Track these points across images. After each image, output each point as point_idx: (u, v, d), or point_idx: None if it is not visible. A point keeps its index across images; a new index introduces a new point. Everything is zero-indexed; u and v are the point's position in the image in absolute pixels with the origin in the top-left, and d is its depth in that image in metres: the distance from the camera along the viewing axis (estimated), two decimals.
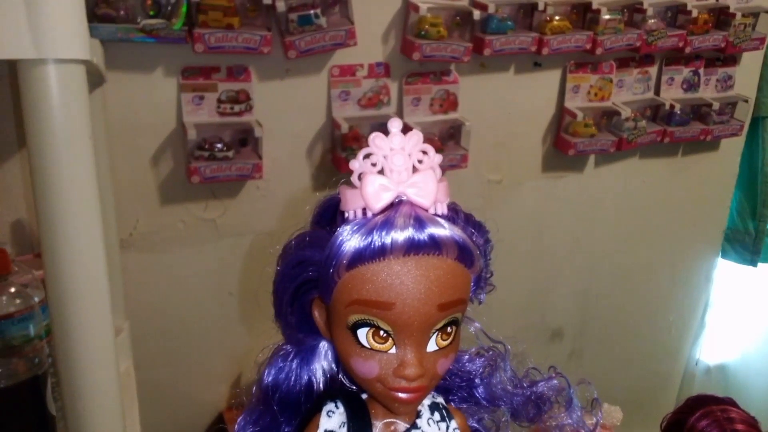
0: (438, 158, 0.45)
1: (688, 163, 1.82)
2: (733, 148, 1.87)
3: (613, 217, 1.77)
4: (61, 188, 0.57)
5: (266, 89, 1.25)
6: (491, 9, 1.33)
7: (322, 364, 0.51)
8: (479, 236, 0.49)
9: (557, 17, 1.43)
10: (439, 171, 0.45)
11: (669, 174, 1.81)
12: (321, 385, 0.51)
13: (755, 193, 1.92)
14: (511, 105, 1.51)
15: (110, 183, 1.07)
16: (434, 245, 0.43)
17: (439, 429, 0.51)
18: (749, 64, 1.78)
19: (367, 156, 0.44)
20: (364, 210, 0.45)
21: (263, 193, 1.32)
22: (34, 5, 0.53)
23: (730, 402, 0.86)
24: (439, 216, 0.45)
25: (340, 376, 0.52)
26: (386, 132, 0.44)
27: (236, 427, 0.53)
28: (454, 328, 0.47)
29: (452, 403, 0.55)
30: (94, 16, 1.04)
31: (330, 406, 0.49)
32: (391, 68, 1.34)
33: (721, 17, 1.65)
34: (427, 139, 1.43)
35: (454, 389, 0.55)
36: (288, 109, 1.29)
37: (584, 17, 1.49)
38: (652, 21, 1.55)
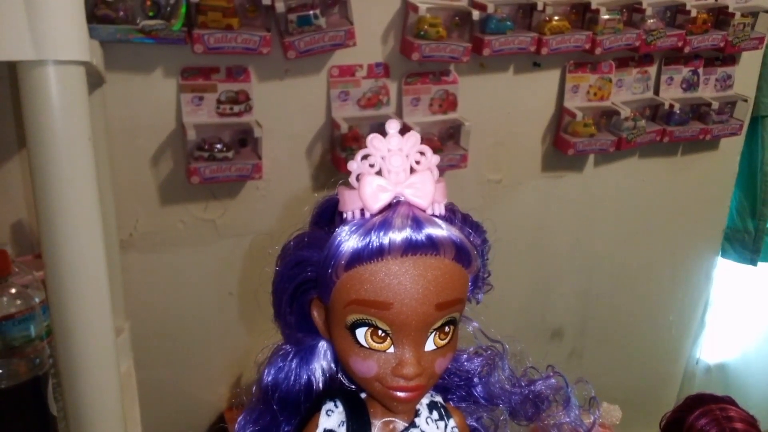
0: (435, 159, 0.46)
1: (688, 162, 1.83)
2: (732, 148, 1.88)
3: (612, 216, 1.77)
4: (62, 189, 0.57)
5: (266, 90, 1.25)
6: (490, 9, 1.34)
7: (321, 363, 0.52)
8: (477, 236, 0.50)
9: (556, 17, 1.43)
10: (436, 172, 0.46)
11: (668, 173, 1.81)
12: (320, 385, 0.52)
13: (755, 192, 1.92)
14: (510, 105, 1.51)
15: (110, 184, 1.07)
16: (432, 245, 0.43)
17: (438, 428, 0.51)
18: (748, 63, 1.79)
19: (365, 157, 0.45)
20: (362, 210, 0.45)
21: (263, 193, 1.32)
22: (34, 7, 0.53)
23: (729, 401, 0.86)
24: (436, 216, 0.45)
25: (339, 375, 0.52)
26: (384, 133, 0.45)
27: (236, 426, 0.53)
28: (451, 327, 0.47)
29: (451, 402, 0.55)
30: (93, 17, 1.04)
31: (329, 405, 0.50)
32: (390, 68, 1.34)
33: (720, 17, 1.65)
34: (427, 139, 1.43)
35: (452, 388, 0.56)
36: (287, 110, 1.29)
37: (583, 17, 1.49)
38: (651, 21, 1.55)
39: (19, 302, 0.73)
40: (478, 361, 0.56)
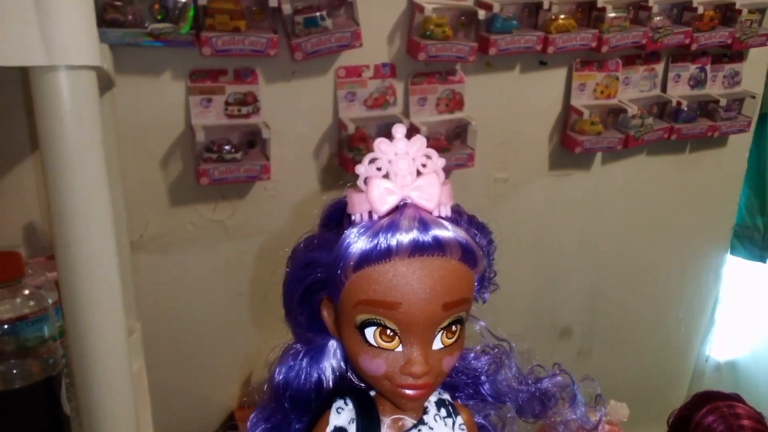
0: (441, 162, 0.46)
1: (696, 159, 1.82)
2: (740, 144, 1.87)
3: (620, 214, 1.77)
4: (74, 192, 0.58)
5: (273, 91, 1.26)
6: (496, 8, 1.34)
7: (331, 362, 0.52)
8: (482, 237, 0.50)
9: (562, 16, 1.43)
10: (442, 174, 0.46)
11: (677, 171, 1.81)
12: (330, 383, 0.52)
13: (764, 188, 1.92)
14: (517, 104, 1.52)
15: (120, 186, 1.08)
16: (438, 247, 0.44)
17: (446, 425, 0.52)
18: (756, 60, 1.78)
19: (372, 161, 0.45)
20: (370, 213, 0.46)
21: (271, 193, 1.33)
22: (46, 13, 0.54)
23: (737, 398, 0.87)
24: (442, 218, 0.46)
25: (348, 373, 0.53)
26: (391, 137, 0.45)
27: (249, 423, 0.54)
28: (458, 326, 0.48)
29: (458, 400, 0.56)
30: (102, 21, 1.05)
31: (339, 403, 0.50)
32: (396, 69, 1.35)
33: (727, 13, 1.64)
34: (434, 139, 1.43)
35: (460, 386, 0.56)
36: (295, 111, 1.30)
37: (589, 15, 1.49)
38: (658, 18, 1.55)
39: (32, 303, 0.74)
40: (485, 359, 0.56)
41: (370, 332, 0.46)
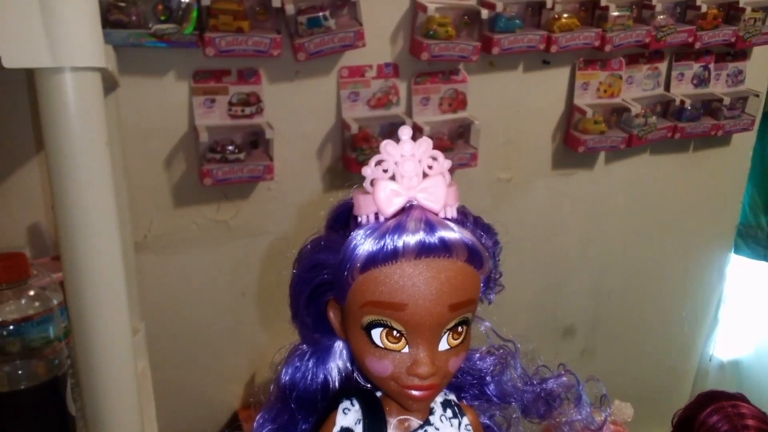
0: (447, 164, 0.46)
1: (700, 158, 1.82)
2: (744, 143, 1.87)
3: (624, 213, 1.77)
4: (79, 193, 0.58)
5: (276, 91, 1.26)
6: (499, 8, 1.34)
7: (337, 363, 0.52)
8: (488, 238, 0.50)
9: (565, 15, 1.43)
10: (448, 176, 0.46)
11: (680, 170, 1.80)
12: (337, 384, 0.52)
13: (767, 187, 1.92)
14: (520, 103, 1.52)
15: (125, 186, 1.08)
16: (444, 248, 0.44)
17: (452, 425, 0.52)
18: (760, 58, 1.78)
19: (378, 162, 0.45)
20: (376, 214, 0.46)
21: (275, 194, 1.33)
22: (51, 15, 0.54)
23: (741, 398, 0.86)
24: (448, 219, 0.46)
25: (355, 374, 0.53)
26: (397, 139, 0.45)
27: (255, 424, 0.54)
28: (464, 327, 0.48)
29: (464, 401, 0.56)
30: (106, 22, 1.05)
31: (346, 403, 0.50)
32: (399, 68, 1.35)
33: (730, 12, 1.64)
34: (437, 138, 1.43)
35: (465, 387, 0.56)
36: (298, 111, 1.30)
37: (593, 14, 1.49)
38: (661, 17, 1.55)
39: (37, 304, 0.74)
40: (490, 360, 0.56)
41: (376, 333, 0.46)
